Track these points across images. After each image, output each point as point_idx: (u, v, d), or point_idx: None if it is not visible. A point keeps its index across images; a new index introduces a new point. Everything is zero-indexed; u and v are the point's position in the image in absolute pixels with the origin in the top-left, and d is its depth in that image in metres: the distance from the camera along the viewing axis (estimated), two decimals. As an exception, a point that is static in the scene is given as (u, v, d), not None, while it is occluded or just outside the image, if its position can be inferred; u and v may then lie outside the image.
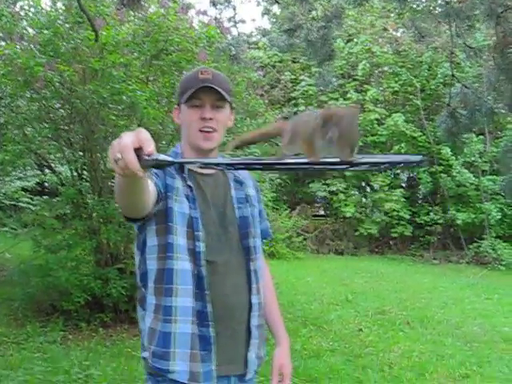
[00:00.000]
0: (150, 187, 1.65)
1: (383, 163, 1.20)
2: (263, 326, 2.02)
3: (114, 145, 1.23)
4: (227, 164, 1.42)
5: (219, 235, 1.91)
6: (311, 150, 1.35)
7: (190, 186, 1.88)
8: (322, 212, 16.85)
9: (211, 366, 1.82)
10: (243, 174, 2.10)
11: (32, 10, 6.60)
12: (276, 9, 16.73)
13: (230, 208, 1.98)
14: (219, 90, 1.89)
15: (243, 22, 17.14)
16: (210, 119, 1.89)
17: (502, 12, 3.37)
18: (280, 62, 16.14)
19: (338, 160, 1.24)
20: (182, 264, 1.82)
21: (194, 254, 1.83)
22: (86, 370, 4.65)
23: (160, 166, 1.27)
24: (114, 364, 4.79)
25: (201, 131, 1.90)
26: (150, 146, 1.21)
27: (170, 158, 1.25)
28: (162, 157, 1.24)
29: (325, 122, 1.33)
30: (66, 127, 6.30)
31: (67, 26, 5.96)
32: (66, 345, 5.37)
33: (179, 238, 1.82)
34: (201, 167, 1.90)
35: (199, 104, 1.90)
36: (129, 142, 1.20)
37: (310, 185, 15.06)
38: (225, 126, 1.97)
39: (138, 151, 1.21)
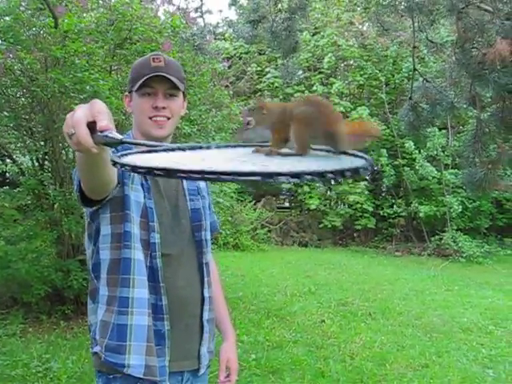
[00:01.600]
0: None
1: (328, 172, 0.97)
2: (214, 320, 1.99)
3: (67, 118, 1.16)
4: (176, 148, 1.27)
5: (172, 227, 1.86)
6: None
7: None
8: (286, 204, 16.92)
9: (165, 362, 1.77)
10: None
11: (-9, -5, 6.43)
12: (243, 0, 16.70)
13: (183, 200, 1.93)
14: (172, 78, 1.83)
15: (210, 12, 17.04)
16: (163, 108, 1.84)
17: (463, 7, 3.41)
18: (246, 53, 16.10)
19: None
20: (138, 254, 1.76)
21: (147, 246, 1.78)
22: (45, 363, 4.60)
23: (111, 144, 1.16)
24: (74, 357, 4.73)
25: (153, 120, 1.84)
26: (103, 120, 1.12)
27: (120, 136, 1.14)
28: (113, 134, 1.14)
29: None
30: (27, 116, 6.17)
31: (29, 12, 5.82)
32: (25, 338, 5.29)
33: (135, 227, 1.76)
34: None
35: (151, 92, 1.84)
36: (82, 115, 1.12)
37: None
38: (178, 115, 1.92)
39: (93, 125, 1.13)
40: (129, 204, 1.76)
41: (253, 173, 0.98)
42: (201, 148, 1.35)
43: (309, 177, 0.98)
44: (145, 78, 1.81)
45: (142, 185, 1.80)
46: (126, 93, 1.95)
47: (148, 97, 1.84)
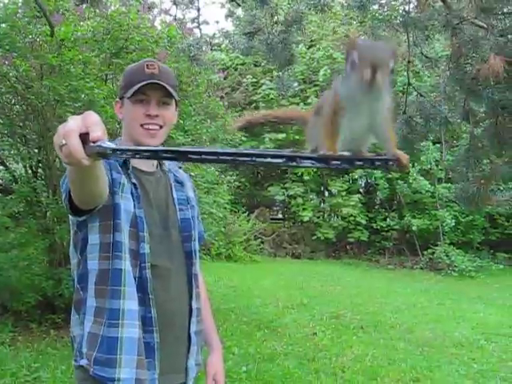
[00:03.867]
0: (105, 176, 1.54)
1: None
2: (202, 332, 1.95)
3: (59, 129, 1.11)
4: (181, 152, 1.11)
5: (161, 237, 1.82)
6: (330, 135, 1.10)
7: (134, 184, 1.78)
8: (280, 216, 16.92)
9: (155, 375, 1.72)
10: (182, 175, 2.03)
11: (-12, 2, 6.45)
12: (240, 11, 16.77)
13: (172, 209, 1.89)
14: (166, 86, 1.79)
15: (207, 23, 17.11)
16: (156, 116, 1.80)
17: (457, 23, 3.44)
18: (242, 64, 16.16)
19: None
20: (127, 265, 1.71)
21: (137, 256, 1.73)
22: (34, 372, 4.54)
23: (103, 154, 1.11)
24: (63, 366, 4.68)
25: (145, 128, 1.80)
26: (96, 131, 1.08)
27: (113, 145, 1.10)
28: (106, 144, 1.10)
29: (348, 53, 1.12)
30: (21, 123, 6.16)
31: (25, 20, 5.83)
32: (15, 346, 5.24)
33: (125, 237, 1.71)
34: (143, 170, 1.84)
35: (144, 99, 1.79)
36: (74, 126, 1.08)
37: (269, 188, 15.12)
38: (170, 123, 1.88)
39: (85, 137, 1.08)
40: (119, 213, 1.71)
41: (274, 155, 0.94)
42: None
43: (335, 162, 0.97)
44: (139, 84, 1.77)
45: (131, 193, 1.76)
46: (117, 99, 1.90)
47: (140, 104, 1.80)
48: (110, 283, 1.70)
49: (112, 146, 1.10)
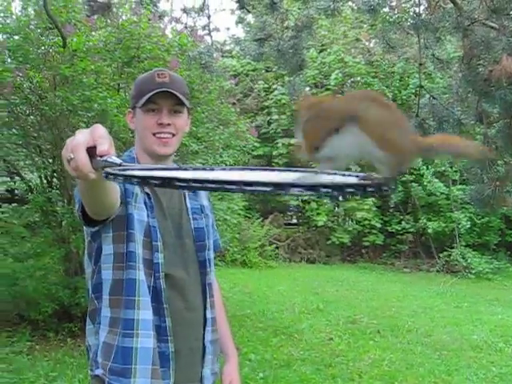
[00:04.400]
0: (116, 187, 1.54)
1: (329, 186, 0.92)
2: (217, 341, 1.95)
3: (67, 143, 1.12)
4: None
5: (175, 247, 1.82)
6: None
7: (147, 193, 1.79)
8: (294, 221, 16.87)
9: None
10: None
11: (1, 14, 6.51)
12: (250, 18, 16.81)
13: (186, 219, 1.89)
14: (177, 94, 1.80)
15: (217, 30, 17.18)
16: (168, 125, 1.81)
17: (468, 25, 3.42)
18: (253, 70, 16.16)
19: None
20: (141, 274, 1.71)
21: (151, 265, 1.73)
22: (52, 381, 4.58)
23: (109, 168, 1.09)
24: (81, 375, 4.70)
25: (157, 137, 1.81)
26: (103, 145, 1.08)
27: (119, 161, 1.09)
28: (113, 159, 1.09)
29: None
30: (36, 134, 6.21)
31: (38, 31, 5.89)
32: (32, 355, 5.27)
33: (139, 247, 1.72)
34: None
35: (156, 108, 1.80)
36: (82, 140, 1.09)
37: (283, 193, 15.10)
38: (182, 132, 1.89)
39: (92, 150, 1.09)
40: (132, 223, 1.72)
41: (262, 183, 0.89)
42: (204, 169, 1.31)
43: (325, 190, 0.90)
44: (150, 93, 1.77)
45: (145, 203, 1.77)
46: (129, 109, 1.92)
47: (152, 113, 1.81)
48: (125, 293, 1.71)
49: (118, 161, 1.10)
